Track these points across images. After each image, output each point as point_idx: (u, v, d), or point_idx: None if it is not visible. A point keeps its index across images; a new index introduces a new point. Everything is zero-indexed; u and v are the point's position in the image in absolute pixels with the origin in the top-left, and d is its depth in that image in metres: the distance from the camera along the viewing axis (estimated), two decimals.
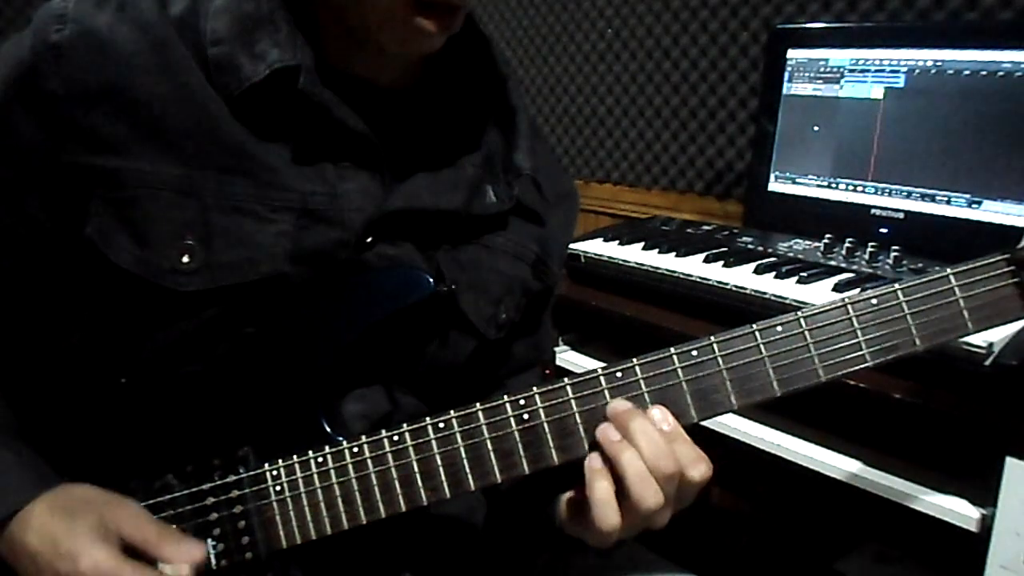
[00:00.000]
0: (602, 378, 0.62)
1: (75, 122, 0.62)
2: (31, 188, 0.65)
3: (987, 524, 0.84)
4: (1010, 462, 0.81)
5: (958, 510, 0.87)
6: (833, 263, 1.14)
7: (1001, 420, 0.83)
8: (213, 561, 0.64)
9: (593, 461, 0.61)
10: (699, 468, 0.60)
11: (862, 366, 0.61)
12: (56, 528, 0.60)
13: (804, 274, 1.08)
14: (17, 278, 0.69)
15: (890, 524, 1.29)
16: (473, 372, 0.77)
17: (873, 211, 1.26)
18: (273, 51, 0.64)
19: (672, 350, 0.62)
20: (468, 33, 0.75)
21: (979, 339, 0.85)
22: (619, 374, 0.62)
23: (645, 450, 0.59)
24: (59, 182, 0.64)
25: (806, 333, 0.61)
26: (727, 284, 1.09)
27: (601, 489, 0.60)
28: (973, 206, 1.15)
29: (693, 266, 1.16)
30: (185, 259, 0.63)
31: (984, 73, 1.14)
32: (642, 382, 0.61)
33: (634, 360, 0.62)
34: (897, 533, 1.31)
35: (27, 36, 0.64)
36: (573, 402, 0.62)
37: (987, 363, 0.85)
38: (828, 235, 1.21)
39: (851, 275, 1.08)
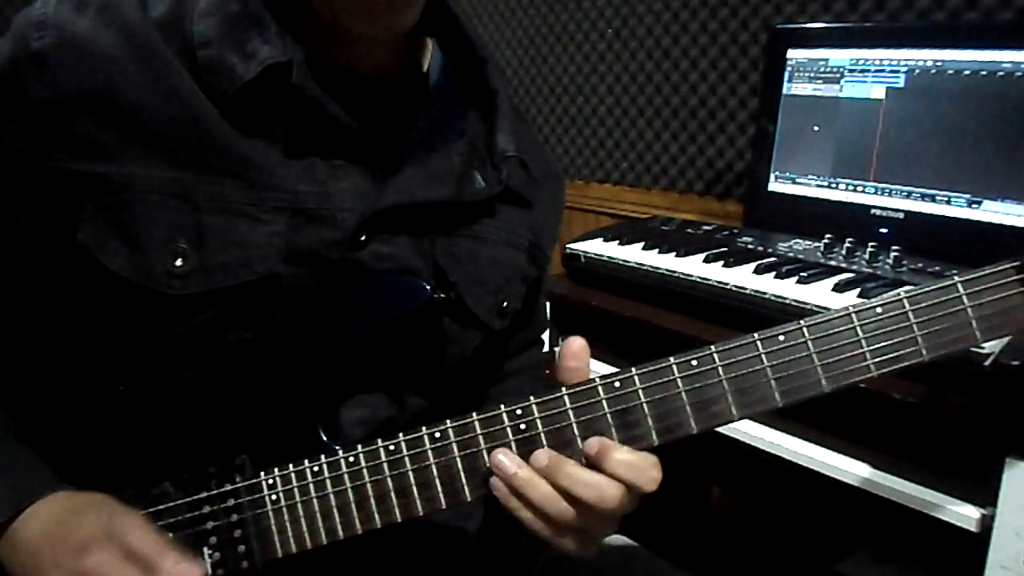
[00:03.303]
0: (600, 388, 0.61)
1: (60, 129, 0.62)
2: (17, 197, 0.65)
3: (987, 524, 0.84)
4: (1010, 462, 0.81)
5: (958, 510, 0.87)
6: (833, 263, 1.14)
7: (1001, 420, 0.83)
8: (210, 570, 0.64)
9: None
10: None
11: (866, 376, 0.59)
12: (68, 522, 0.60)
13: (804, 274, 1.08)
14: (11, 286, 0.68)
15: (890, 524, 1.29)
16: (479, 363, 0.77)
17: (873, 211, 1.26)
18: (264, 48, 0.64)
19: (671, 359, 0.60)
20: (441, 16, 0.74)
21: None
22: (617, 384, 0.60)
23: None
24: (46, 190, 0.63)
25: (809, 342, 0.59)
26: (727, 284, 1.09)
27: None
28: (973, 206, 1.15)
29: (693, 266, 1.16)
30: (178, 262, 0.63)
31: (984, 73, 1.14)
32: (640, 392, 0.60)
33: (632, 370, 0.61)
34: (897, 533, 1.31)
35: (6, 44, 0.63)
36: (571, 412, 0.61)
37: (987, 363, 0.85)
38: (828, 235, 1.21)
39: (851, 275, 1.08)
